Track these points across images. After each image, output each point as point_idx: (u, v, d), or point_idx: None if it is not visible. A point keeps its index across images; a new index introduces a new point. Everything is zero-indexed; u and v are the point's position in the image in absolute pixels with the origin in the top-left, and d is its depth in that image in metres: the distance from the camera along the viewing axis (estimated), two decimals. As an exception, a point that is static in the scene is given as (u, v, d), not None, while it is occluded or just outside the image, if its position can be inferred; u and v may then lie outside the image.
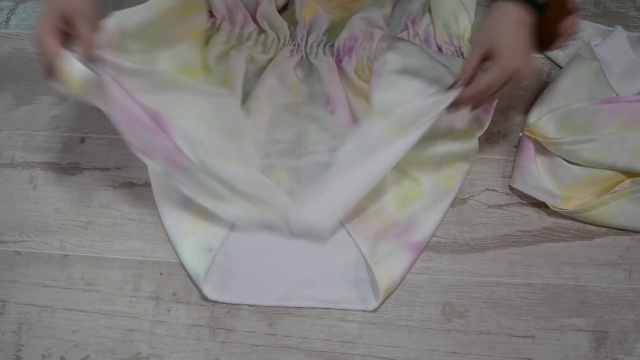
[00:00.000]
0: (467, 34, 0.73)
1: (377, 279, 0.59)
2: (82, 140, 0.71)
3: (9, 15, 0.80)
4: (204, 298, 0.60)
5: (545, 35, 0.57)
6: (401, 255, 0.61)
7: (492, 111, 0.67)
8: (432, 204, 0.63)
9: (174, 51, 0.62)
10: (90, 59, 0.52)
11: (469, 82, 0.55)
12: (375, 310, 0.60)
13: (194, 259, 0.61)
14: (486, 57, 0.55)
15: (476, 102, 0.57)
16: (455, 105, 0.56)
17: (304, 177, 0.64)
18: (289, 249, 0.62)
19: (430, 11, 0.76)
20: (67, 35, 0.53)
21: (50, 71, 0.52)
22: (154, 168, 0.59)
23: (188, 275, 0.62)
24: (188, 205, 0.63)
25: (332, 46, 0.72)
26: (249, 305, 0.60)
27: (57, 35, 0.52)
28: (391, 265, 0.60)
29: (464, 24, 0.73)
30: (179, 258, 0.62)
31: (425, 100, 0.57)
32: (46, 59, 0.52)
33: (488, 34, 0.55)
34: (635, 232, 0.64)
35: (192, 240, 0.62)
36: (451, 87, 0.57)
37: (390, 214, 0.63)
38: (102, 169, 0.69)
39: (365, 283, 0.61)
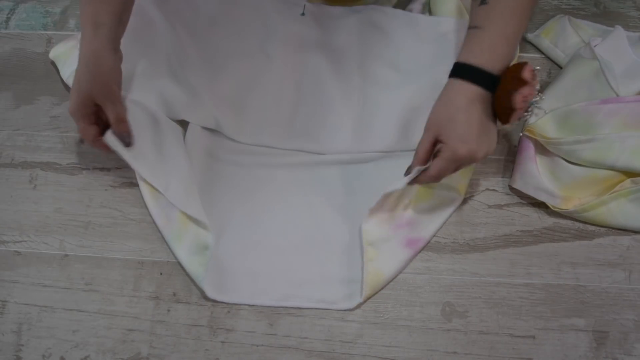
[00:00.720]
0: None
1: (364, 277, 0.59)
2: (82, 140, 0.71)
3: (9, 15, 0.80)
4: (205, 298, 0.60)
5: (500, 110, 0.53)
6: (396, 247, 0.61)
7: None
8: (439, 207, 0.64)
9: None
10: (122, 136, 0.60)
11: (424, 163, 0.56)
12: (354, 309, 0.60)
13: (191, 258, 0.61)
14: (436, 142, 0.54)
15: (435, 181, 0.57)
16: (418, 182, 0.57)
17: None
18: (286, 249, 0.62)
19: (430, 11, 0.76)
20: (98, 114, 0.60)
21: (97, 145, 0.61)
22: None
23: (188, 275, 0.62)
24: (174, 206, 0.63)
25: None
26: (248, 305, 0.60)
27: (92, 120, 0.59)
28: (383, 258, 0.60)
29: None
30: (176, 259, 0.62)
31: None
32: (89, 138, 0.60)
33: (438, 117, 0.54)
34: (635, 232, 0.64)
35: (185, 240, 0.62)
36: (407, 171, 0.58)
37: (403, 205, 0.63)
38: (102, 169, 0.69)
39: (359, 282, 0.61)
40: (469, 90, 0.52)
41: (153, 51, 0.69)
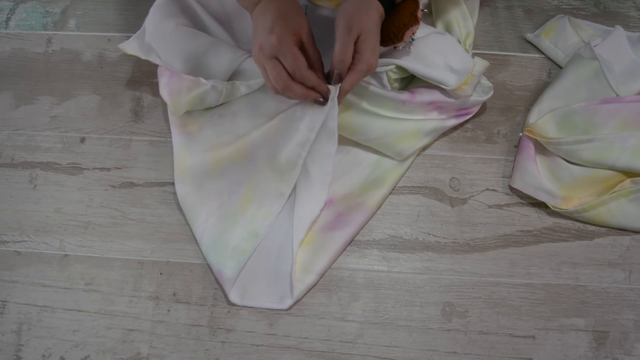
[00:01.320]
0: (471, 38, 0.73)
1: (292, 273, 0.59)
2: (82, 140, 0.71)
3: (9, 15, 0.80)
4: (226, 300, 0.60)
5: (387, 36, 0.59)
6: (325, 244, 0.62)
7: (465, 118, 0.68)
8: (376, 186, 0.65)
9: None
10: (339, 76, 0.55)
11: (348, 66, 0.55)
12: (289, 308, 0.60)
13: (240, 245, 0.61)
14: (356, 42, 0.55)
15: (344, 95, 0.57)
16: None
17: None
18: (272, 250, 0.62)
19: (432, 14, 0.76)
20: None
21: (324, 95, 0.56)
22: None
23: (212, 272, 0.61)
24: (239, 186, 0.63)
25: None
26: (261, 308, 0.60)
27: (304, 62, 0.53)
28: (311, 247, 0.61)
29: (467, 27, 0.73)
30: (214, 250, 0.61)
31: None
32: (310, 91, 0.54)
33: (361, 23, 0.54)
34: (635, 232, 0.64)
35: (240, 224, 0.62)
36: (331, 79, 0.56)
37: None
38: (102, 169, 0.69)
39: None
40: (378, 7, 0.56)
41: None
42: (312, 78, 0.53)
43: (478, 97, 0.66)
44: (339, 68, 0.54)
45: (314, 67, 0.55)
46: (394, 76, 0.64)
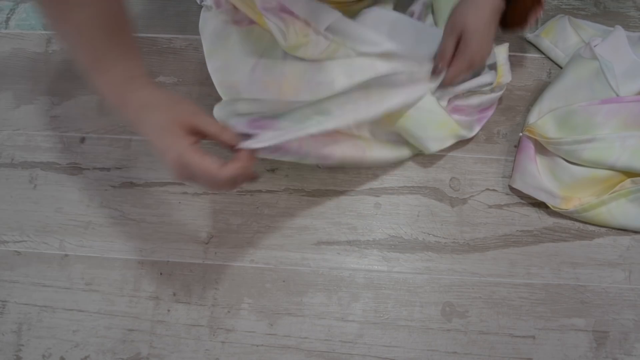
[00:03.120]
0: None
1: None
2: (82, 140, 0.71)
3: (9, 15, 0.80)
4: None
5: (511, 20, 0.60)
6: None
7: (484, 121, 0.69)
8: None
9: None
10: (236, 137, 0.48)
11: (449, 64, 0.61)
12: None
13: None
14: (458, 41, 0.60)
15: (450, 82, 0.63)
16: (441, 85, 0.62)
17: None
18: None
19: (433, 12, 0.76)
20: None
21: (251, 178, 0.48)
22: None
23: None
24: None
25: None
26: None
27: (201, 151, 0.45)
28: None
29: None
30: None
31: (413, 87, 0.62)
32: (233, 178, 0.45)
33: (465, 22, 0.58)
34: (635, 232, 0.64)
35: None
36: (434, 71, 0.62)
37: None
38: (102, 169, 0.69)
39: None
40: (495, 2, 0.57)
41: None
42: (230, 172, 0.44)
43: (494, 94, 0.67)
44: (436, 62, 0.62)
45: (223, 138, 0.47)
46: None
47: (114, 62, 0.47)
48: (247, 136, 0.49)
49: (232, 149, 0.47)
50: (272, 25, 0.62)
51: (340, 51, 0.64)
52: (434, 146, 0.66)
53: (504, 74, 0.66)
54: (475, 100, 0.66)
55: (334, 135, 0.64)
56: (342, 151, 0.63)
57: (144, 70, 0.49)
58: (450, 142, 0.67)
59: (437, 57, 0.62)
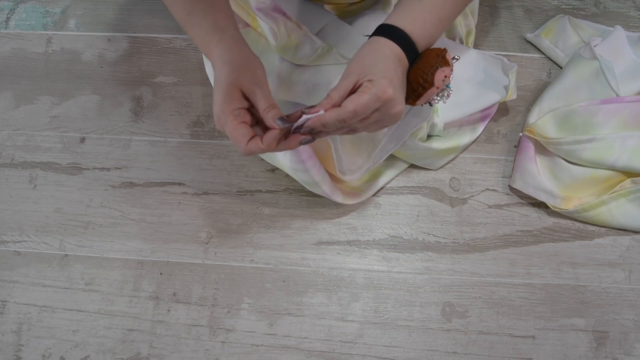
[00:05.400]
0: (472, 35, 0.73)
1: None
2: (82, 140, 0.71)
3: (9, 15, 0.80)
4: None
5: (415, 84, 0.50)
6: None
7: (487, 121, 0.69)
8: None
9: None
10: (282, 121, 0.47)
11: (331, 106, 0.47)
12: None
13: None
14: (358, 86, 0.47)
15: (342, 127, 0.48)
16: (318, 131, 0.48)
17: None
18: None
19: None
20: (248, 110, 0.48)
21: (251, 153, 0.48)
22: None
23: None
24: None
25: None
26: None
27: (244, 118, 0.47)
28: None
29: (468, 25, 0.73)
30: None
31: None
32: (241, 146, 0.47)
33: (362, 62, 0.48)
34: (635, 232, 0.64)
35: None
36: (311, 108, 0.48)
37: None
38: (102, 169, 0.69)
39: None
40: (395, 49, 0.49)
41: None
42: (253, 149, 0.46)
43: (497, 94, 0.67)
44: (322, 103, 0.48)
45: (265, 117, 0.47)
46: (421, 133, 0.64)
47: (202, 14, 0.52)
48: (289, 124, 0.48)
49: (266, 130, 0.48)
50: (264, 25, 0.62)
51: (329, 57, 0.63)
52: (438, 164, 0.68)
53: (512, 93, 0.65)
54: (478, 114, 0.67)
55: (336, 182, 0.65)
56: (343, 198, 0.64)
57: (232, 21, 0.53)
58: (455, 154, 0.68)
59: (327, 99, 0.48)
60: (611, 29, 0.69)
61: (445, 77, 0.50)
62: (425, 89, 0.50)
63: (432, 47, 0.52)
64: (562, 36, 0.73)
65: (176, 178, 0.68)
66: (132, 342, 0.59)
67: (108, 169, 0.69)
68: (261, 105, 0.47)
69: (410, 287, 0.62)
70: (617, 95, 0.63)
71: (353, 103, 0.46)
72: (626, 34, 0.67)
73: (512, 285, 0.62)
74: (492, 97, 0.64)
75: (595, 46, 0.66)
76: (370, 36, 0.51)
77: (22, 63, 0.77)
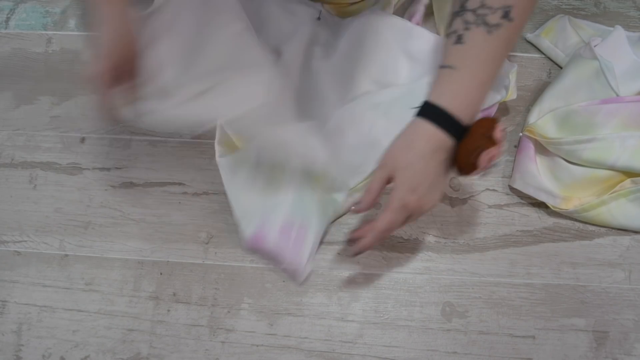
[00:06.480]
0: None
1: None
2: (82, 140, 0.71)
3: (9, 15, 0.80)
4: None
5: (462, 162, 0.50)
6: None
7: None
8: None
9: None
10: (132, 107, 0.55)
11: (370, 206, 0.52)
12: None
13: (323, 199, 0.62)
14: (389, 180, 0.51)
15: (379, 240, 0.52)
16: (356, 249, 0.52)
17: None
18: None
19: (433, 13, 0.76)
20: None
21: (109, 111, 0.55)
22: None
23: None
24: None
25: None
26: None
27: (111, 81, 0.53)
28: None
29: None
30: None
31: None
32: (104, 104, 0.54)
33: (396, 158, 0.50)
34: (635, 232, 0.64)
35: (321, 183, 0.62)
36: (356, 208, 0.53)
37: None
38: (102, 169, 0.69)
39: None
40: (434, 137, 0.49)
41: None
42: (114, 118, 0.57)
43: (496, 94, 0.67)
44: (364, 197, 0.52)
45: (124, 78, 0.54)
46: None
47: None
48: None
49: None
50: None
51: None
52: None
53: (512, 93, 0.65)
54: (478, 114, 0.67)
55: None
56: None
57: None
58: None
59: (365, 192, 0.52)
60: (611, 29, 0.69)
61: (492, 157, 0.49)
62: (470, 171, 0.50)
63: (482, 117, 0.51)
64: (562, 36, 0.73)
65: (176, 178, 0.68)
66: (132, 342, 0.59)
67: (108, 169, 0.69)
68: (131, 82, 0.54)
69: (410, 287, 0.62)
70: (617, 95, 0.63)
71: (383, 222, 0.50)
72: (626, 34, 0.67)
73: (512, 285, 0.62)
74: (492, 97, 0.64)
75: (595, 46, 0.65)
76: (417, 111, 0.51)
77: (22, 63, 0.77)
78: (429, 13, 0.76)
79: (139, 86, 0.55)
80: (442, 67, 0.51)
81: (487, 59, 0.49)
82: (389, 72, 0.69)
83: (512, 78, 0.65)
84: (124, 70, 0.54)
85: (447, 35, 0.52)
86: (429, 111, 0.50)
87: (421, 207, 0.50)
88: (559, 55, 0.73)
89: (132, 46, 0.54)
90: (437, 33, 0.74)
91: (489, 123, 0.49)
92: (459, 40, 0.49)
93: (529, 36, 0.75)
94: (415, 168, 0.49)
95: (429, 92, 0.51)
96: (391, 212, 0.49)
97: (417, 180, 0.49)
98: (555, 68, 0.74)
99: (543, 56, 0.75)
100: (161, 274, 0.63)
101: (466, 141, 0.49)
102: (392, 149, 0.51)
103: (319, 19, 0.71)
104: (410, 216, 0.50)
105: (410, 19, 0.75)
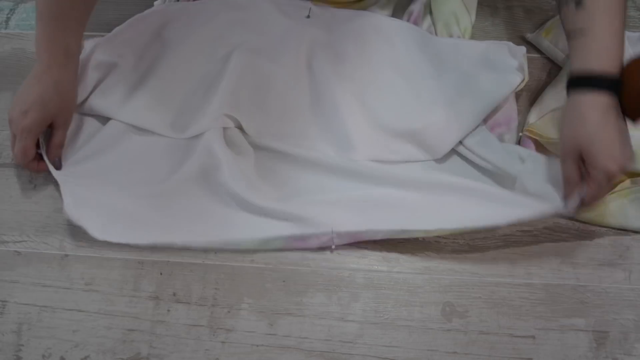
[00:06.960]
0: (468, 34, 0.73)
1: None
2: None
3: (9, 15, 0.80)
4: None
5: (631, 112, 0.52)
6: None
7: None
8: None
9: None
10: (55, 162, 0.65)
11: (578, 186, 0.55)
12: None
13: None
14: (580, 162, 0.54)
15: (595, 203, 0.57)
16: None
17: None
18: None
19: (431, 12, 0.76)
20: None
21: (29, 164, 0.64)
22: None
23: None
24: None
25: None
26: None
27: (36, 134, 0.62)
28: None
29: (465, 24, 0.73)
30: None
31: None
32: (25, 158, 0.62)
33: (577, 140, 0.52)
34: (635, 232, 0.64)
35: None
36: (568, 201, 0.56)
37: None
38: (102, 169, 0.69)
39: None
40: (598, 102, 0.51)
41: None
42: (32, 169, 0.65)
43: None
44: (567, 190, 0.56)
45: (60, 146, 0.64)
46: None
47: (64, 24, 0.61)
48: None
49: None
50: None
51: None
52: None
53: (526, 76, 0.66)
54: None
55: None
56: None
57: (78, 50, 0.65)
58: None
59: (564, 185, 0.57)
60: (611, 29, 0.69)
61: None
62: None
63: (628, 62, 0.52)
64: (562, 36, 0.73)
65: (176, 178, 0.67)
66: (132, 342, 0.59)
67: (108, 169, 0.68)
68: (56, 142, 0.63)
69: (410, 287, 0.62)
70: (617, 95, 0.63)
71: (593, 196, 0.54)
72: (626, 33, 0.67)
73: (512, 285, 0.62)
74: (512, 83, 0.64)
75: (595, 46, 0.65)
76: (567, 88, 0.54)
77: (22, 63, 0.77)
78: (427, 13, 0.76)
79: (61, 142, 0.64)
80: (573, 35, 0.54)
81: (613, 10, 0.52)
82: (408, 63, 0.70)
83: (524, 60, 0.66)
84: (54, 122, 0.62)
85: (561, 6, 0.55)
86: (581, 81, 0.52)
87: (623, 169, 0.51)
88: (559, 55, 0.73)
89: (70, 110, 0.63)
90: (435, 31, 0.74)
91: (636, 62, 0.50)
92: (579, 4, 0.52)
93: (529, 36, 0.75)
94: (600, 139, 0.51)
95: (572, 65, 0.53)
96: (597, 185, 0.52)
97: (608, 149, 0.51)
98: (555, 68, 0.74)
99: (543, 56, 0.75)
100: (161, 273, 0.63)
101: (626, 90, 0.51)
102: (567, 133, 0.54)
103: (308, 17, 0.71)
104: (610, 181, 0.53)
105: (409, 19, 0.75)
